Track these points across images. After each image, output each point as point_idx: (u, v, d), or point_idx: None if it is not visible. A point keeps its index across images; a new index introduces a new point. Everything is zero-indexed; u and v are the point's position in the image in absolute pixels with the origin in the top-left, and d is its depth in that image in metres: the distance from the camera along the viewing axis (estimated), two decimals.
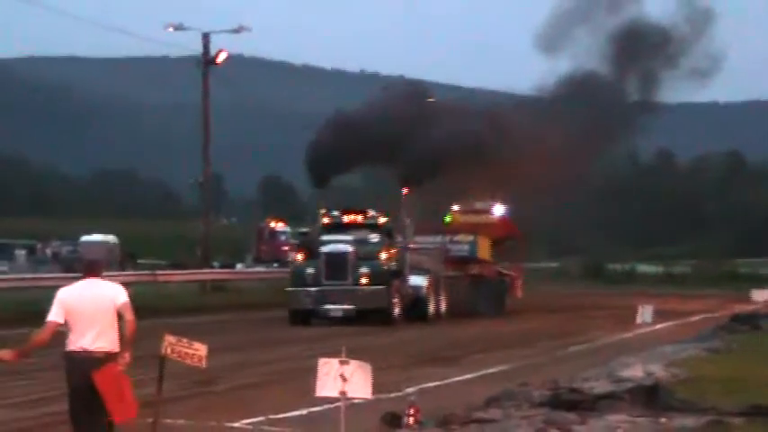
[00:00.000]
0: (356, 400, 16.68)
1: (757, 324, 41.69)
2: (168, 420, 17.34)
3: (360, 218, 45.19)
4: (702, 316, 49.91)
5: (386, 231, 45.17)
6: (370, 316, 42.83)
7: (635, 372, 24.69)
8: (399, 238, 45.74)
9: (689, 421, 18.72)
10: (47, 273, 66.58)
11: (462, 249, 52.18)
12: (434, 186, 56.20)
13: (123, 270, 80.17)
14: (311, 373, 16.92)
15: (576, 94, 59.95)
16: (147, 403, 18.58)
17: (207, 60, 61.04)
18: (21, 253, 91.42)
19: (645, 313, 44.97)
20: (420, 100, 58.76)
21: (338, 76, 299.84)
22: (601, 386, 21.92)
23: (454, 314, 47.37)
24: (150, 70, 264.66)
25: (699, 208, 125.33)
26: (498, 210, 55.88)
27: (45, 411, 21.12)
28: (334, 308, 42.73)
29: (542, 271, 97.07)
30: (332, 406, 16.84)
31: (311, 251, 44.33)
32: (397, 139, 50.76)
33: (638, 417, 19.02)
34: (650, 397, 20.60)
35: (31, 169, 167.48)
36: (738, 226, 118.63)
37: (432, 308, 46.26)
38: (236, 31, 62.87)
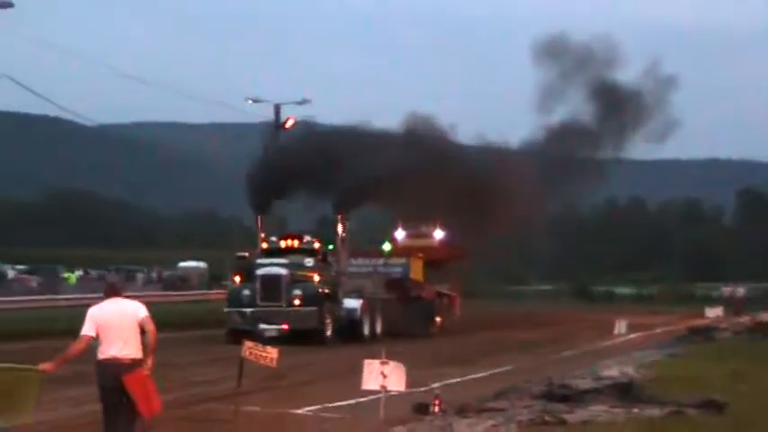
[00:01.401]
0: (393, 393, 16.75)
1: (710, 335, 41.61)
2: (246, 408, 17.45)
3: (296, 243, 39.00)
4: (666, 328, 49.71)
5: (321, 256, 38.93)
6: (303, 336, 36.34)
7: (613, 372, 24.61)
8: (334, 263, 40.00)
9: (655, 411, 18.69)
10: (153, 291, 67.08)
11: (396, 271, 45.21)
12: (373, 211, 52.24)
13: (210, 289, 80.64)
14: (356, 371, 17.00)
15: (555, 142, 56.09)
16: (228, 395, 18.75)
17: (278, 125, 61.02)
18: (140, 276, 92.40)
19: (621, 326, 44.88)
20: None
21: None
22: (585, 383, 21.87)
23: (391, 334, 39.38)
24: (231, 132, 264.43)
25: (663, 242, 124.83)
26: (438, 234, 49.64)
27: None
28: (269, 328, 36.21)
29: (539, 293, 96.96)
30: (374, 397, 16.92)
31: (249, 274, 38.44)
32: (332, 166, 44.19)
33: (615, 408, 19.01)
34: (625, 392, 20.59)
35: (134, 211, 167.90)
36: (694, 257, 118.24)
37: (366, 329, 39.64)
38: (301, 103, 62.53)
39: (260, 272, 37.74)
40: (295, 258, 38.25)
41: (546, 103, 55.45)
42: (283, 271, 37.42)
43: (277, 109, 60.84)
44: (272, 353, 17.53)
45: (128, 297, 12.68)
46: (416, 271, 46.07)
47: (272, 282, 37.45)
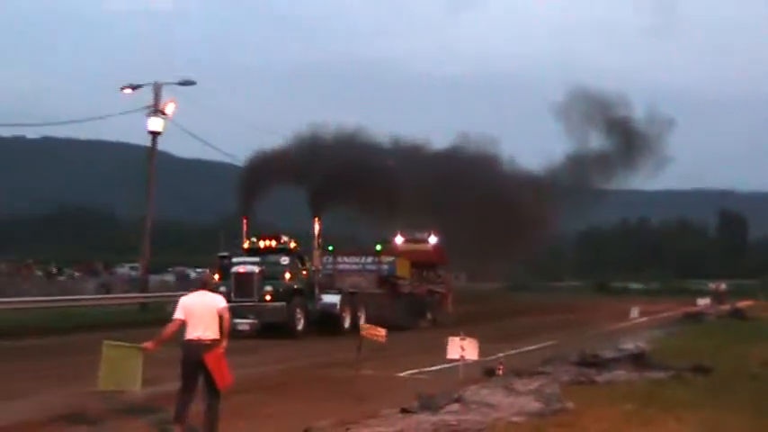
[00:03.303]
0: (469, 361, 16.79)
1: (700, 319, 41.24)
2: (363, 372, 17.60)
3: (274, 243, 31.90)
4: (667, 314, 48.99)
5: (296, 255, 31.93)
6: (274, 329, 29.67)
7: (629, 345, 24.39)
8: (310, 261, 32.92)
9: (660, 374, 18.55)
10: None
11: (383, 269, 37.34)
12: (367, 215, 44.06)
13: None
14: (440, 345, 17.04)
15: (574, 170, 51.02)
16: (343, 363, 18.90)
17: None
18: None
19: (634, 312, 44.39)
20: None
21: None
22: (609, 353, 21.70)
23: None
24: None
25: (662, 250, 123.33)
26: (432, 240, 42.29)
27: (289, 366, 21.42)
28: (242, 321, 28.55)
29: (570, 287, 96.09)
30: (455, 364, 16.97)
31: (227, 272, 31.25)
32: (310, 169, 37.45)
33: (631, 371, 18.92)
34: (638, 360, 20.44)
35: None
36: (686, 261, 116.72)
37: (347, 322, 32.20)
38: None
39: (234, 270, 30.99)
40: (271, 257, 31.33)
41: (578, 145, 51.53)
42: (256, 269, 30.60)
43: None
44: (382, 332, 17.68)
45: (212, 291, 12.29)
46: (402, 269, 38.37)
47: (244, 279, 30.54)
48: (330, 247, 36.03)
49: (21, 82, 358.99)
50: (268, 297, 30.19)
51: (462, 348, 16.25)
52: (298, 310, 30.20)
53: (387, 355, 21.08)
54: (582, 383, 16.97)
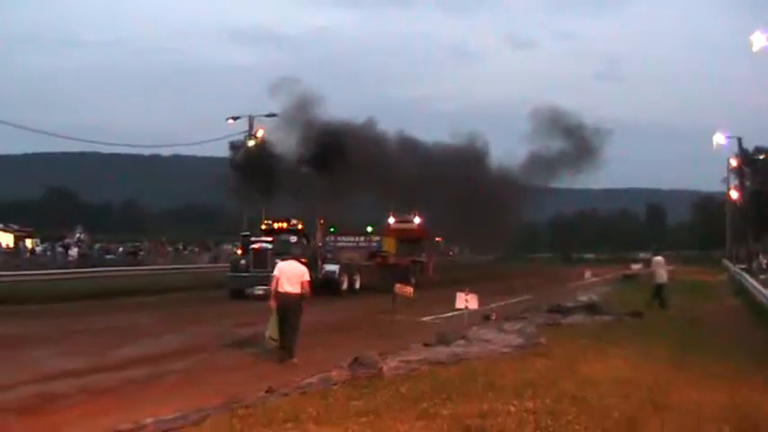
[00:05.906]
0: (471, 309, 16.75)
1: (634, 279, 40.91)
2: (396, 317, 17.62)
3: (285, 225, 28.42)
4: (611, 275, 48.32)
5: (303, 234, 28.50)
6: None
7: (584, 298, 24.30)
8: (314, 240, 29.38)
9: (607, 318, 18.50)
10: None
11: (372, 246, 33.95)
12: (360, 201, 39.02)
13: None
14: (451, 299, 16.99)
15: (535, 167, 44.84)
16: (384, 312, 18.87)
17: None
18: None
19: (587, 274, 43.74)
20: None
21: None
22: (570, 303, 21.64)
23: (368, 290, 28.79)
24: None
25: (607, 232, 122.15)
26: (417, 219, 38.62)
27: (355, 314, 21.40)
28: (258, 288, 25.03)
29: (541, 258, 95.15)
30: (461, 311, 16.93)
31: (247, 248, 27.64)
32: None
33: (586, 316, 18.84)
34: (591, 308, 20.36)
35: None
36: (623, 239, 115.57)
37: (344, 286, 29.03)
38: None
39: (252, 246, 27.38)
40: (283, 236, 27.81)
41: (542, 147, 45.52)
42: (269, 245, 26.90)
43: None
44: (410, 290, 17.67)
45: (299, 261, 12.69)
46: (388, 245, 34.79)
47: (260, 254, 26.74)
48: (332, 229, 33.30)
49: (160, 115, 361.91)
50: None
51: (467, 301, 16.19)
52: None
53: (414, 305, 21.19)
54: (551, 325, 16.95)
